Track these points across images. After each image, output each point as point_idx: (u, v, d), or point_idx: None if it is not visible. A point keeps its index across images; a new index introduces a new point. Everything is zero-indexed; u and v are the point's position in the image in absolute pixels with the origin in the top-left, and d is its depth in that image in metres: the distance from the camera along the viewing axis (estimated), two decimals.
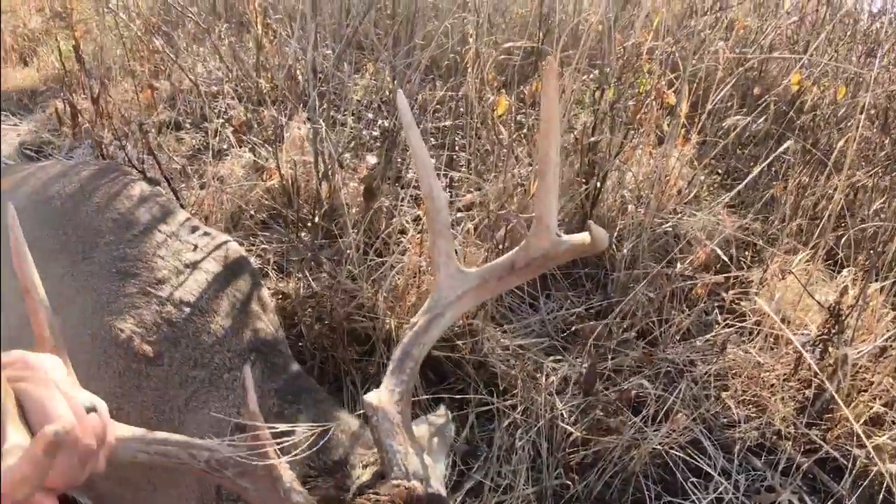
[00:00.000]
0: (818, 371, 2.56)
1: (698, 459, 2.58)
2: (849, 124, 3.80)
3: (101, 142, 3.89)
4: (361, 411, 1.60)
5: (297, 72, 3.44)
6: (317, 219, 2.94)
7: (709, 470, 2.56)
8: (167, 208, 2.53)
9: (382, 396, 1.49)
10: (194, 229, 2.49)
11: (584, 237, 1.52)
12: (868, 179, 3.64)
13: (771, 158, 3.38)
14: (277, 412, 1.90)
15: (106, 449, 1.16)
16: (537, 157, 1.54)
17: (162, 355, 2.00)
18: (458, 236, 2.71)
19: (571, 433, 2.52)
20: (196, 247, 2.36)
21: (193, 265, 2.27)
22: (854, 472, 2.57)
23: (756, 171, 3.47)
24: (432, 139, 3.59)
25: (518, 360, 2.70)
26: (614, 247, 3.17)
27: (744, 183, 3.40)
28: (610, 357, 2.81)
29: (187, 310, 2.11)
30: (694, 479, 2.54)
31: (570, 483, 2.46)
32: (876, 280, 2.95)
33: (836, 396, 2.49)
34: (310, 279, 2.79)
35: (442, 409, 1.97)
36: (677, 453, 2.53)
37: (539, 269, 1.58)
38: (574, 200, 3.17)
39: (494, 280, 1.57)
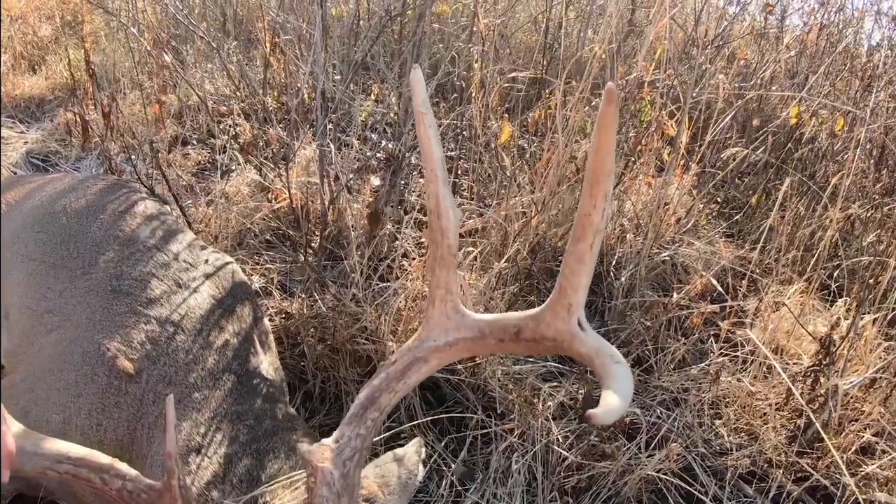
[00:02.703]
0: (805, 404, 2.62)
1: (691, 486, 2.64)
2: (845, 157, 3.86)
3: (109, 156, 3.95)
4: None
5: (306, 94, 3.49)
6: (322, 240, 2.99)
7: (701, 496, 2.61)
8: (171, 228, 2.57)
9: (326, 453, 1.28)
10: (200, 248, 2.53)
11: (598, 357, 1.20)
12: (863, 211, 3.70)
13: (770, 190, 3.44)
14: (244, 440, 1.94)
15: (5, 461, 1.13)
16: (577, 217, 1.21)
17: (141, 372, 2.04)
18: (462, 263, 2.76)
19: (567, 458, 2.57)
20: (194, 267, 2.40)
21: (188, 286, 2.32)
22: (844, 500, 2.62)
23: (753, 201, 3.54)
24: None
25: (516, 385, 2.75)
26: (612, 274, 3.23)
27: (742, 213, 3.46)
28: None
29: (171, 329, 2.15)
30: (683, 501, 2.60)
31: None
32: (868, 311, 3.01)
33: (821, 431, 2.54)
34: (316, 297, 2.84)
35: (417, 444, 1.92)
36: (670, 480, 2.58)
37: (544, 350, 1.31)
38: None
39: (494, 339, 1.30)
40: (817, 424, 2.55)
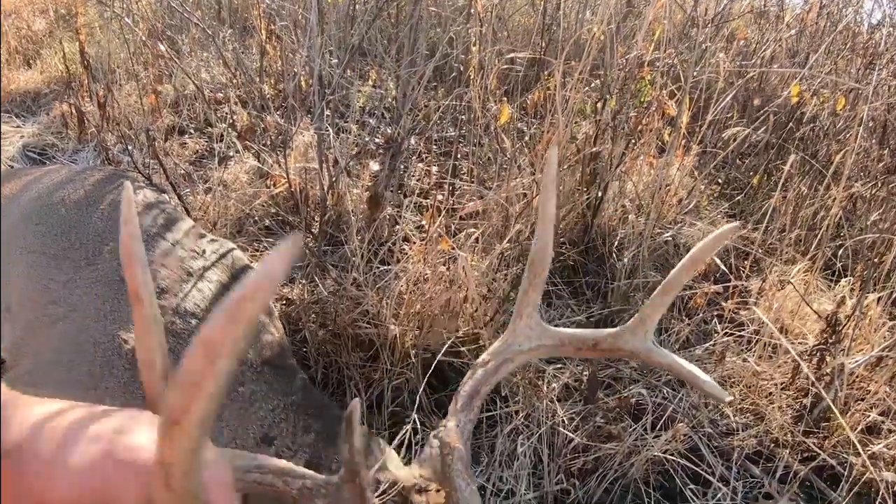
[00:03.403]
0: (815, 380, 2.60)
1: (697, 467, 2.62)
2: (847, 136, 3.83)
3: (106, 146, 3.92)
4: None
5: (303, 80, 3.46)
6: (322, 225, 2.97)
7: (708, 477, 2.60)
8: (172, 216, 2.54)
9: (453, 435, 1.46)
10: (199, 237, 2.50)
11: (677, 364, 1.45)
12: (866, 190, 3.68)
13: (771, 170, 3.42)
14: (304, 426, 1.94)
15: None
16: (671, 276, 1.41)
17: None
18: (464, 245, 2.74)
19: (572, 439, 2.55)
20: (200, 254, 2.37)
21: (197, 274, 2.28)
22: (850, 479, 2.60)
23: (755, 181, 3.51)
24: (435, 147, 3.62)
25: (520, 368, 2.73)
26: (615, 256, 3.21)
27: (743, 193, 3.44)
28: (610, 365, 2.85)
29: (193, 321, 2.11)
30: (693, 486, 2.57)
31: (570, 489, 2.50)
32: (873, 290, 2.99)
33: (832, 406, 2.52)
34: (317, 282, 2.82)
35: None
36: (677, 460, 2.56)
37: (616, 356, 1.55)
38: (575, 210, 3.21)
39: (572, 348, 1.54)
40: (828, 400, 2.53)
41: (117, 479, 0.91)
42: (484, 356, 1.55)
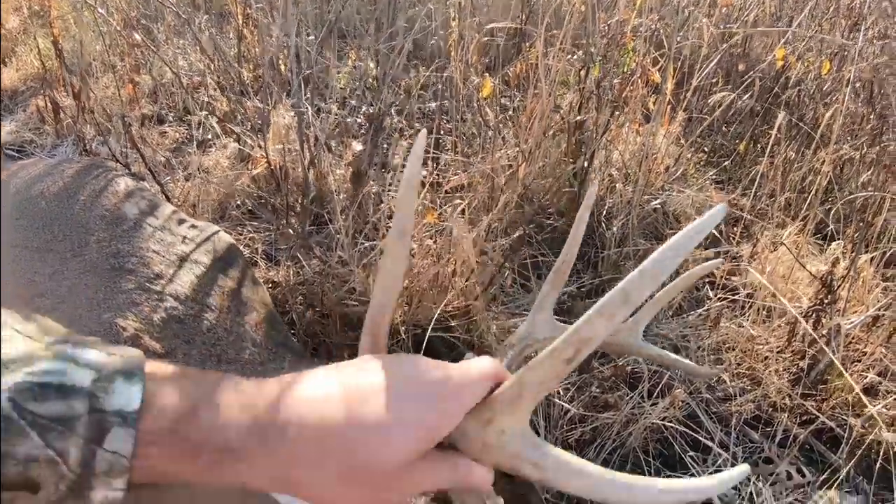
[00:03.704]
0: (816, 338, 2.56)
1: (696, 433, 2.59)
2: (834, 98, 3.80)
3: (83, 137, 3.85)
4: None
5: (280, 60, 3.40)
6: (305, 204, 2.92)
7: (707, 443, 2.57)
8: (154, 202, 2.49)
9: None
10: (181, 221, 2.45)
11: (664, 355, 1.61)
12: (855, 152, 3.64)
13: (757, 131, 3.38)
14: None
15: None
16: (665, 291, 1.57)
17: (174, 352, 1.94)
18: (451, 217, 2.70)
19: (569, 410, 2.51)
20: (186, 238, 2.33)
21: (187, 258, 2.23)
22: (851, 441, 2.58)
23: (742, 147, 3.48)
24: (418, 124, 3.57)
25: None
26: (604, 224, 3.16)
27: (730, 160, 3.41)
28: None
29: (194, 306, 2.07)
30: (692, 453, 2.54)
31: None
32: (866, 251, 2.96)
33: (835, 360, 2.50)
34: (303, 262, 2.77)
35: None
36: (675, 427, 2.53)
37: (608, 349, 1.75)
38: (561, 180, 3.16)
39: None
40: (832, 356, 2.50)
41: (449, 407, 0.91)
42: (511, 339, 1.55)
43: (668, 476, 2.49)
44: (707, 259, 2.97)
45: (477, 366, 0.97)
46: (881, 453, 2.47)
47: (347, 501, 0.89)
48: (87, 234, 2.27)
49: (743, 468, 0.91)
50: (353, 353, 2.60)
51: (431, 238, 2.66)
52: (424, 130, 1.26)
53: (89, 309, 2.03)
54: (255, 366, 1.98)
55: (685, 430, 2.54)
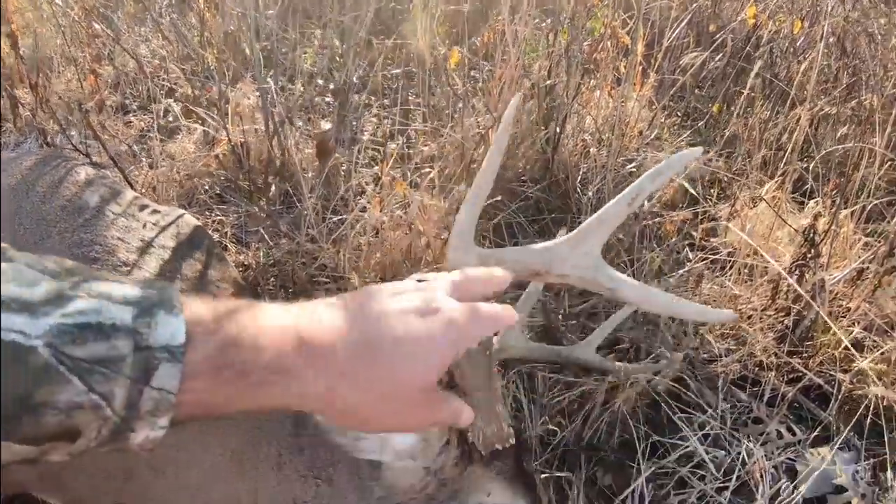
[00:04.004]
0: (802, 292, 2.51)
1: (683, 396, 2.54)
2: (808, 56, 3.76)
3: (44, 131, 3.75)
4: None
5: (241, 39, 3.32)
6: (270, 181, 2.84)
7: (695, 405, 2.52)
8: (115, 189, 2.40)
9: None
10: (143, 207, 2.37)
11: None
12: (831, 108, 3.60)
13: (730, 92, 3.33)
14: None
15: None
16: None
17: None
18: (421, 187, 2.63)
19: (553, 378, 2.47)
20: (152, 224, 2.25)
21: (154, 243, 2.16)
22: (839, 397, 2.53)
23: (715, 108, 3.43)
24: (385, 98, 3.50)
25: None
26: (579, 190, 3.11)
27: (703, 121, 3.36)
28: (585, 300, 2.76)
29: None
30: (681, 416, 2.49)
31: (556, 429, 2.41)
32: (845, 206, 2.91)
33: (821, 313, 2.45)
34: (270, 244, 2.70)
35: None
36: (662, 390, 2.49)
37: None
38: (535, 147, 3.10)
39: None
40: (818, 308, 2.44)
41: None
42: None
43: (658, 442, 2.44)
44: (685, 220, 2.93)
45: (486, 308, 1.05)
46: (870, 408, 2.43)
47: (381, 417, 0.96)
48: (48, 225, 2.19)
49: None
50: None
51: (403, 209, 2.59)
52: (518, 95, 1.46)
53: None
54: None
55: (672, 393, 2.50)
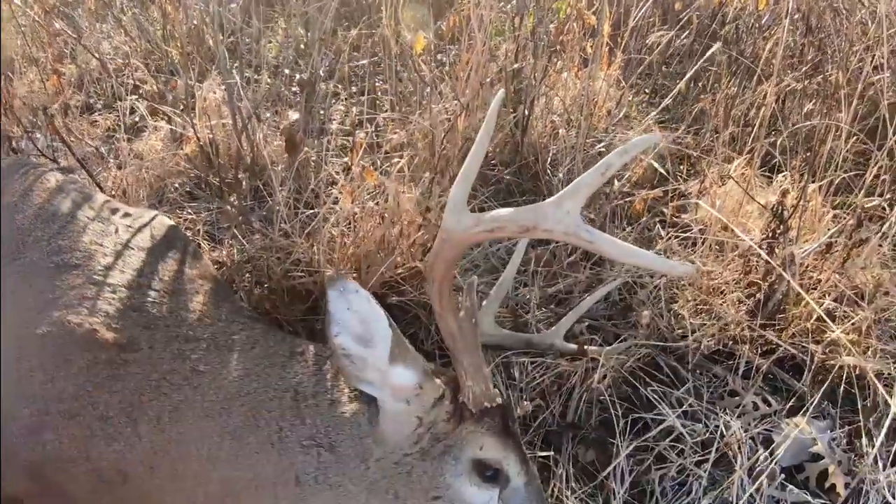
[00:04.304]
0: (775, 265, 2.53)
1: (659, 373, 2.56)
2: (773, 32, 3.78)
3: (9, 136, 3.69)
4: None
5: (206, 33, 3.29)
6: (240, 177, 2.83)
7: (671, 382, 2.55)
8: (87, 194, 2.39)
9: None
10: (114, 211, 2.35)
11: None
12: (797, 84, 3.62)
13: (697, 69, 3.35)
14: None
15: None
16: None
17: (136, 340, 1.90)
18: (392, 175, 2.63)
19: (530, 361, 2.48)
20: (126, 227, 2.24)
21: (130, 245, 2.16)
22: (813, 367, 2.56)
23: (682, 84, 3.44)
24: (353, 87, 3.48)
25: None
26: (549, 172, 3.12)
27: (670, 97, 3.38)
28: (560, 280, 2.78)
29: (147, 291, 2.02)
30: (657, 388, 2.52)
31: (537, 409, 2.44)
32: (813, 180, 2.94)
33: (794, 284, 2.47)
34: (243, 242, 2.68)
35: None
36: (638, 367, 2.54)
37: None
38: (504, 129, 3.11)
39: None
40: (790, 280, 2.46)
41: None
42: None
43: (635, 418, 2.46)
44: (656, 199, 2.95)
45: None
46: (843, 377, 2.46)
47: None
48: (23, 235, 2.16)
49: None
50: (305, 326, 2.56)
51: (373, 199, 2.59)
52: (502, 90, 1.73)
53: (39, 310, 1.95)
54: (225, 336, 1.97)
55: (648, 371, 2.53)
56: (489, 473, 1.75)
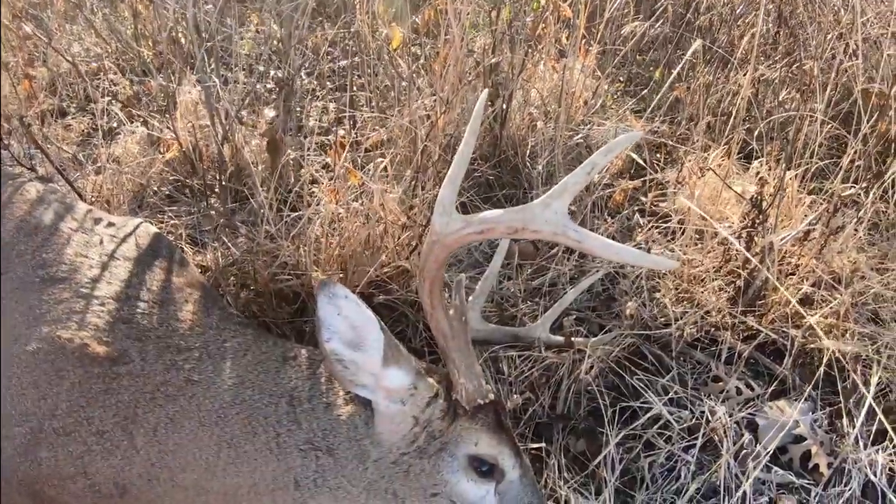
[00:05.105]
0: (749, 257, 2.57)
1: (644, 361, 2.60)
2: (747, 21, 3.82)
3: None
4: None
5: (180, 34, 3.26)
6: (223, 182, 2.81)
7: (656, 370, 2.59)
8: (69, 204, 2.36)
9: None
10: (98, 221, 2.33)
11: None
12: (771, 72, 3.67)
13: (671, 57, 3.37)
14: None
15: None
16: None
17: (127, 352, 1.89)
18: (373, 174, 2.63)
19: (517, 354, 2.51)
20: (110, 237, 2.21)
21: (116, 256, 2.14)
22: (793, 352, 2.61)
23: (657, 74, 3.47)
24: (329, 83, 3.47)
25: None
26: (528, 164, 3.13)
27: (647, 87, 3.40)
28: (542, 274, 2.80)
29: (139, 304, 2.01)
30: (643, 377, 2.56)
31: (526, 401, 2.46)
32: (789, 168, 2.98)
33: (769, 276, 2.52)
34: (228, 245, 2.68)
35: None
36: (624, 356, 2.57)
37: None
38: (482, 124, 3.11)
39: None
40: (767, 273, 2.51)
41: None
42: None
43: (623, 407, 2.50)
44: (636, 189, 2.98)
45: None
46: (823, 360, 2.51)
47: None
48: (6, 248, 2.13)
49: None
50: (293, 327, 2.56)
51: (357, 199, 2.59)
52: (486, 91, 1.75)
53: (28, 326, 1.94)
54: (217, 344, 1.97)
55: (632, 360, 2.56)
56: (485, 468, 1.79)
